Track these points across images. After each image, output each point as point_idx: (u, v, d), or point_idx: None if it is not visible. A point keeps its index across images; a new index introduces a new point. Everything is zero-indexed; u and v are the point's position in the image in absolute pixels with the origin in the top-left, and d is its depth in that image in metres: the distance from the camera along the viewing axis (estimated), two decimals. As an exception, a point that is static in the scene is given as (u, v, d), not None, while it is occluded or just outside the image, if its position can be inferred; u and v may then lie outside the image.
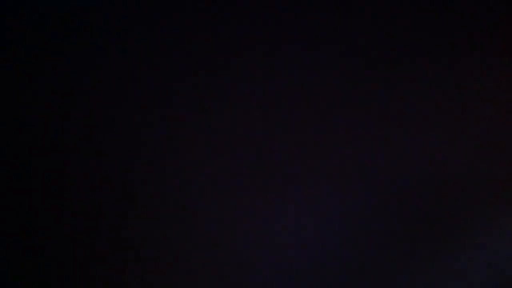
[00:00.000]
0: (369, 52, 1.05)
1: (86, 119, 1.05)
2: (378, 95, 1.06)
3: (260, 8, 1.04)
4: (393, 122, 1.06)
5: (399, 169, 1.07)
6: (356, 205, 1.07)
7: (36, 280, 1.07)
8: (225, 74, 1.05)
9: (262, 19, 1.05)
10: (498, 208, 1.06)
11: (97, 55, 1.04)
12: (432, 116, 1.06)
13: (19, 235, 1.06)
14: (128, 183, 1.06)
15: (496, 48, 1.06)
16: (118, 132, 1.06)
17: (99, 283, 1.07)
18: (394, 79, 1.06)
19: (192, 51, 1.05)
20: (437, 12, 1.05)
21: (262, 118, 1.06)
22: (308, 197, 1.07)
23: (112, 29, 1.04)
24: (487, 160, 1.07)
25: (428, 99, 1.06)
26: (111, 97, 1.05)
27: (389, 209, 1.07)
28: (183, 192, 1.06)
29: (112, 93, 1.05)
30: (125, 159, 1.06)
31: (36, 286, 1.07)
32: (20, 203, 1.05)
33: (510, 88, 1.06)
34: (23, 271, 1.06)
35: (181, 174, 1.06)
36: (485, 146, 1.07)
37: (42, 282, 1.07)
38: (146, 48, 1.05)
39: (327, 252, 1.07)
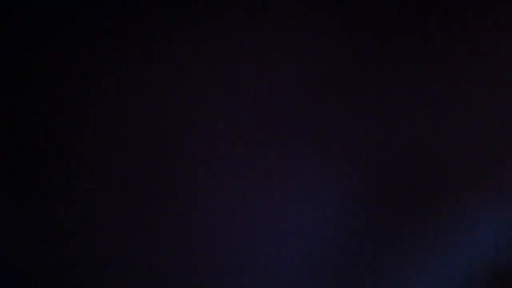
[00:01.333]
0: (360, 31, 1.05)
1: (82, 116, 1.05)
2: (368, 76, 1.06)
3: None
4: (385, 104, 1.06)
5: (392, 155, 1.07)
6: (346, 191, 1.07)
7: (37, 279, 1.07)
8: (222, 73, 1.05)
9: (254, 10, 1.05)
10: (487, 194, 1.07)
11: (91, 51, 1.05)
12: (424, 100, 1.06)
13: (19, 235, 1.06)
14: (123, 182, 1.06)
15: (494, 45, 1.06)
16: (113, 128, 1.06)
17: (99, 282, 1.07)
18: (381, 58, 1.06)
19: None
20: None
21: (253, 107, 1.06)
22: (303, 178, 1.07)
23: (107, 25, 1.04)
24: (480, 147, 1.07)
25: (420, 79, 1.06)
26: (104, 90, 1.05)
27: (380, 197, 1.07)
28: (181, 191, 1.06)
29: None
30: (120, 158, 1.06)
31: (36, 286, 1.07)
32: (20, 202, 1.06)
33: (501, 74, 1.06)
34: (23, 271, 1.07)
35: (180, 173, 1.06)
36: (478, 131, 1.07)
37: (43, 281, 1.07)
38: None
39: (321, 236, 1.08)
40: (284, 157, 1.05)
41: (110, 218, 1.05)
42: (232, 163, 1.05)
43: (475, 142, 1.07)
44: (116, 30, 1.04)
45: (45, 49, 1.04)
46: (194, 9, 1.04)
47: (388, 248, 1.07)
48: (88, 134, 1.05)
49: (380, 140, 1.06)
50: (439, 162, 1.06)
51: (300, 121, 1.05)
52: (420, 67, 1.06)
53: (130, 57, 1.04)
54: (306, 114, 1.05)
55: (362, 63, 1.05)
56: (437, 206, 1.06)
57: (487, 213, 1.06)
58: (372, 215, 1.06)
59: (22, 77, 1.04)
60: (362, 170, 1.06)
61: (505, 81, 1.06)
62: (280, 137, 1.05)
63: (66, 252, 1.06)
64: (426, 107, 1.06)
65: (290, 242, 1.06)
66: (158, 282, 1.07)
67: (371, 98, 1.05)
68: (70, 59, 1.04)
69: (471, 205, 1.06)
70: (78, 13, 1.04)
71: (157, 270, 1.07)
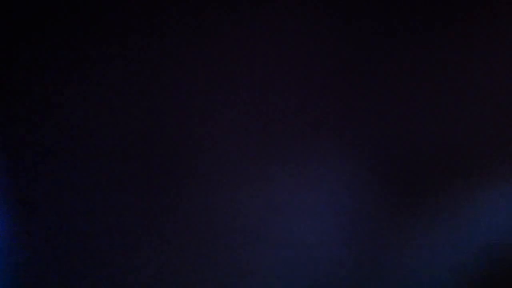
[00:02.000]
0: (364, 24, 1.05)
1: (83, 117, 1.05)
2: (372, 72, 1.06)
3: None
4: (387, 96, 1.07)
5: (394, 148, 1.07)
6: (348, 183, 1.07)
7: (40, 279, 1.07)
8: (224, 74, 1.05)
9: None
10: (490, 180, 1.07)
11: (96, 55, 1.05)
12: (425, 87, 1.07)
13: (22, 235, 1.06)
14: (123, 184, 1.06)
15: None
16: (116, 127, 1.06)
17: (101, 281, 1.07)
18: (386, 51, 1.06)
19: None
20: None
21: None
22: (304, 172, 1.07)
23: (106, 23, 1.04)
24: (481, 134, 1.08)
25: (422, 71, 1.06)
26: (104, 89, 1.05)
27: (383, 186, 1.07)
28: (180, 190, 1.06)
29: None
30: (120, 155, 1.06)
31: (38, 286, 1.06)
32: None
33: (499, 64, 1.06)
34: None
35: (180, 173, 1.06)
36: (481, 124, 1.07)
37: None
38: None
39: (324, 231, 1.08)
40: (289, 154, 1.05)
41: (111, 218, 1.05)
42: (237, 162, 1.05)
43: (477, 136, 1.08)
44: (114, 27, 1.04)
45: (45, 49, 1.04)
46: (194, 8, 1.04)
47: (394, 237, 1.07)
48: (88, 134, 1.04)
49: (386, 135, 1.06)
50: (443, 158, 1.07)
51: (306, 121, 1.05)
52: (423, 67, 1.06)
53: (130, 57, 1.04)
54: (311, 113, 1.05)
55: (367, 63, 1.06)
56: (440, 198, 1.06)
57: (488, 204, 1.07)
58: (378, 208, 1.06)
59: (22, 77, 1.04)
60: (369, 164, 1.06)
61: (503, 79, 1.07)
62: (285, 136, 1.05)
63: (65, 252, 1.05)
64: (431, 104, 1.06)
65: (295, 237, 1.06)
66: (161, 282, 1.06)
67: (376, 97, 1.06)
68: (70, 59, 1.04)
69: (473, 197, 1.07)
70: (78, 12, 1.04)
71: (162, 270, 1.06)
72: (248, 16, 1.04)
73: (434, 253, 1.08)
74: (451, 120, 1.08)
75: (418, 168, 1.08)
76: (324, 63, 1.06)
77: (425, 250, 1.08)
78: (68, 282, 1.05)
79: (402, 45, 1.07)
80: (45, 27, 1.03)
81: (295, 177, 1.06)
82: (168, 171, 1.06)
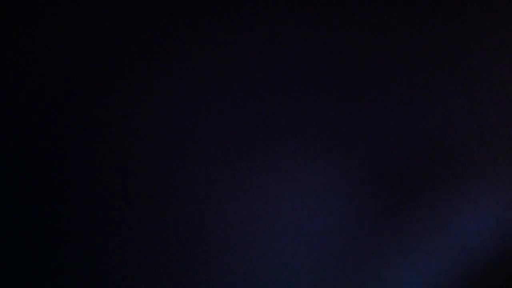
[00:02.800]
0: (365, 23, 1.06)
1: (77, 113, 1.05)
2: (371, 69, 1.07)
3: None
4: (384, 93, 1.07)
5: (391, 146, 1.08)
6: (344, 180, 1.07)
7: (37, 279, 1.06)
8: (221, 72, 1.05)
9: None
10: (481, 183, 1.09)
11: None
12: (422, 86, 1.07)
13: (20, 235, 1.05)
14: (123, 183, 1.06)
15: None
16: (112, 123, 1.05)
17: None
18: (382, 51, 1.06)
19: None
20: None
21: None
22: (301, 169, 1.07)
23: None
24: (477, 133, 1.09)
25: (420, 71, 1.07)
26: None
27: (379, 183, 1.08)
28: (180, 193, 1.06)
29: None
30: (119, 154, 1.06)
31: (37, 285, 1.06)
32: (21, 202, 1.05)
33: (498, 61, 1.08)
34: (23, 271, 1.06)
35: (180, 175, 1.06)
36: (473, 120, 1.08)
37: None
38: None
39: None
40: (283, 155, 1.05)
41: (111, 218, 1.05)
42: (231, 161, 1.05)
43: (465, 141, 1.09)
44: (118, 30, 1.04)
45: (45, 50, 1.03)
46: (194, 9, 1.04)
47: (384, 238, 1.08)
48: (88, 135, 1.04)
49: (377, 137, 1.06)
50: (432, 159, 1.08)
51: (299, 119, 1.05)
52: (419, 66, 1.06)
53: (130, 58, 1.04)
54: (305, 112, 1.05)
55: (362, 62, 1.05)
56: (430, 199, 1.07)
57: (476, 205, 1.08)
58: (369, 208, 1.07)
59: (22, 77, 1.03)
60: (360, 165, 1.06)
61: (500, 81, 1.08)
62: (280, 136, 1.05)
63: (65, 252, 1.05)
64: (421, 107, 1.07)
65: (288, 238, 1.06)
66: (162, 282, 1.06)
67: (370, 96, 1.06)
68: (70, 59, 1.03)
69: (461, 198, 1.08)
70: (82, 16, 1.03)
71: (164, 270, 1.06)
72: (242, 16, 1.04)
73: (428, 257, 1.08)
74: (443, 128, 1.09)
75: (413, 171, 1.08)
76: (316, 64, 1.06)
77: (419, 254, 1.09)
78: None
79: (393, 50, 1.08)
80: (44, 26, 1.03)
81: (287, 183, 1.06)
82: (154, 181, 1.05)
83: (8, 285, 1.05)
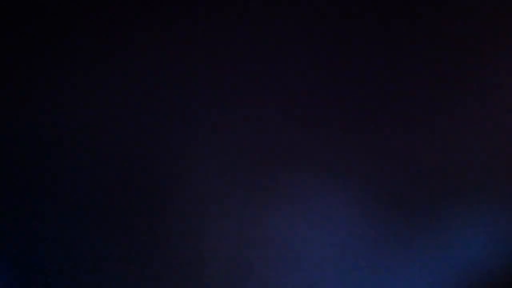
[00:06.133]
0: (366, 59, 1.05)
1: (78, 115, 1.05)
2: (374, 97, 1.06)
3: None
4: (388, 119, 1.07)
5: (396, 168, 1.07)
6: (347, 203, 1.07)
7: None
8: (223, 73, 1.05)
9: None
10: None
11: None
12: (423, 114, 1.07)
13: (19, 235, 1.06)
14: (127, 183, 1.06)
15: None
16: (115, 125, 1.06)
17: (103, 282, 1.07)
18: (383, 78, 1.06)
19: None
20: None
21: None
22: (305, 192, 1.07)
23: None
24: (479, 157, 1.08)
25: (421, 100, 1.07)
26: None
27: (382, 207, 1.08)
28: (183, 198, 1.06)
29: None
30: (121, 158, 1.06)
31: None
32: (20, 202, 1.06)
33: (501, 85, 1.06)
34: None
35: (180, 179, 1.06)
36: (475, 144, 1.07)
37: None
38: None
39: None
40: (295, 183, 1.05)
41: (111, 218, 1.05)
42: (224, 198, 1.05)
43: (468, 159, 1.08)
44: (113, 29, 1.04)
45: (43, 50, 1.04)
46: (194, 8, 1.04)
47: (389, 252, 1.08)
48: (88, 135, 1.05)
49: (381, 160, 1.06)
50: (436, 179, 1.07)
51: (306, 145, 1.05)
52: (424, 95, 1.06)
53: (128, 57, 1.04)
54: (317, 141, 1.05)
55: (369, 96, 1.05)
56: (434, 217, 1.07)
57: (479, 221, 1.07)
58: (375, 226, 1.06)
59: (21, 78, 1.04)
60: (366, 185, 1.06)
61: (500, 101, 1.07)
62: (292, 164, 1.05)
63: (64, 251, 1.06)
64: (425, 129, 1.06)
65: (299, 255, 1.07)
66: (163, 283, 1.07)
67: (377, 125, 1.05)
68: (68, 59, 1.04)
69: (464, 215, 1.08)
70: (76, 15, 1.04)
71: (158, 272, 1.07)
72: (237, 14, 1.04)
73: (430, 273, 1.08)
74: (445, 148, 1.08)
75: (415, 189, 1.08)
76: (326, 97, 1.06)
77: (420, 271, 1.08)
78: None
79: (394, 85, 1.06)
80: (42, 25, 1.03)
81: (290, 208, 1.06)
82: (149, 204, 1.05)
83: (8, 285, 1.06)
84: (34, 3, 1.03)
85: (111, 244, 1.06)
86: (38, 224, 1.05)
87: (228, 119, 1.04)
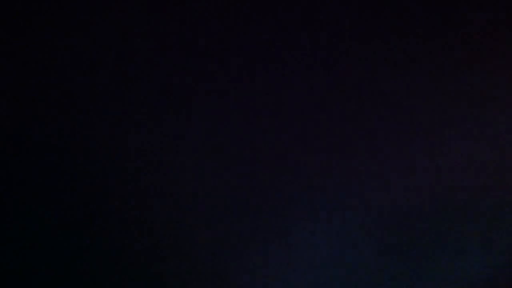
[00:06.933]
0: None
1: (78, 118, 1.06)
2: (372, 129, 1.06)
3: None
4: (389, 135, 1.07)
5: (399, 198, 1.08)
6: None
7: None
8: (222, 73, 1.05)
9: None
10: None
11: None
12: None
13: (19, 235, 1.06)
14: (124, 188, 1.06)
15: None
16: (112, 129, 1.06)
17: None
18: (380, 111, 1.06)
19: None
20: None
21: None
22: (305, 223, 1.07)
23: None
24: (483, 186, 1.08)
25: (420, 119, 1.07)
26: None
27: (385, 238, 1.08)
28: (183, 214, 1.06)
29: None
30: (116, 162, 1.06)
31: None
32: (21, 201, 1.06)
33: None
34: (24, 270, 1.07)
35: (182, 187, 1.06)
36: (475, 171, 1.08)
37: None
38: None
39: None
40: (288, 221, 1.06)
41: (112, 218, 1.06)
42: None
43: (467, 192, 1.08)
44: (112, 30, 1.04)
45: (42, 50, 1.04)
46: (195, 9, 1.04)
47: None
48: (88, 135, 1.05)
49: (389, 199, 1.06)
50: (437, 219, 1.07)
51: (308, 183, 1.05)
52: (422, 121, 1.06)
53: (129, 58, 1.04)
54: (311, 141, 1.05)
55: (362, 130, 1.05)
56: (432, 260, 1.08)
57: (477, 251, 1.08)
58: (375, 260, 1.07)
59: (22, 77, 1.04)
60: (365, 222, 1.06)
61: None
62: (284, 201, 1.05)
63: (64, 251, 1.06)
64: (426, 170, 1.06)
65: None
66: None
67: (377, 158, 1.06)
68: (67, 59, 1.04)
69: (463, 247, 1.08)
70: (75, 14, 1.04)
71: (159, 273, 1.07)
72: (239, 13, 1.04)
73: None
74: (441, 184, 1.08)
75: (420, 231, 1.09)
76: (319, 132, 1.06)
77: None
78: None
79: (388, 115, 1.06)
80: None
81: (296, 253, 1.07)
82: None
83: (8, 285, 1.06)
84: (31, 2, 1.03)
85: (104, 244, 1.06)
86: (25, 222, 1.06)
87: (224, 118, 1.04)
